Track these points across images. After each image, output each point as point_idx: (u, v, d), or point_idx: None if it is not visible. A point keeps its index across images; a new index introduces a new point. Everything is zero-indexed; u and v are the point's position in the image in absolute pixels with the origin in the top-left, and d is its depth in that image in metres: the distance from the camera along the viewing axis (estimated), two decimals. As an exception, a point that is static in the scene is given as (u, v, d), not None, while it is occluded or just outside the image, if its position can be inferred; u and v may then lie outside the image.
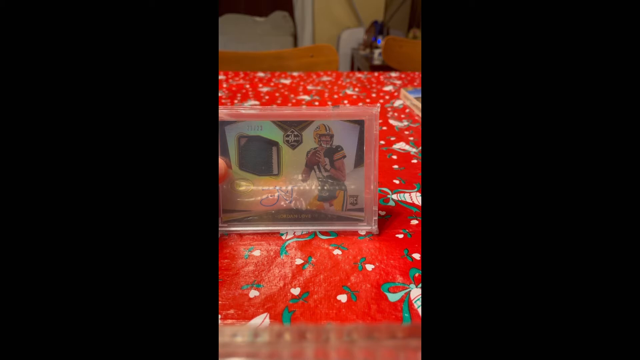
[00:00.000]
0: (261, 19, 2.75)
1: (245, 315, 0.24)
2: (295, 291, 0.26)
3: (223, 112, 0.30)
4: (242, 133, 0.31)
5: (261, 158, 0.31)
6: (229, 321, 0.24)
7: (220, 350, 0.15)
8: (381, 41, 2.16)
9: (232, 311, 0.25)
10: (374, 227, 0.32)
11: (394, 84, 0.84)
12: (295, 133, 0.31)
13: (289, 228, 0.33)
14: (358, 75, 0.93)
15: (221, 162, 0.30)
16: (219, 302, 0.25)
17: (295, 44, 2.72)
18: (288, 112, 0.30)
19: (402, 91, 0.73)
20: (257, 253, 0.30)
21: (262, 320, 0.24)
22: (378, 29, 2.34)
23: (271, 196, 0.32)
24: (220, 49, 1.22)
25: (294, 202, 0.32)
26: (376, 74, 0.94)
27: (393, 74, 0.93)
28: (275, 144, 0.31)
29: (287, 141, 0.31)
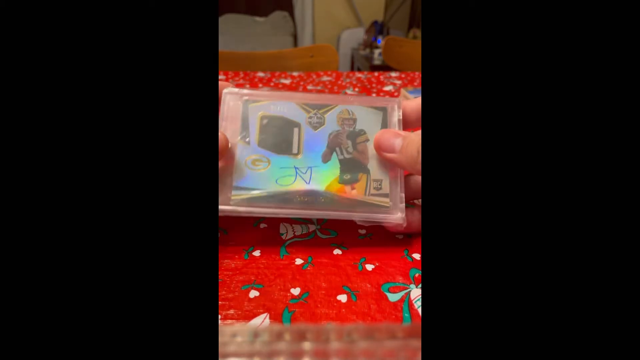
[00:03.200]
0: (261, 19, 2.75)
1: (245, 315, 0.24)
2: (295, 291, 0.26)
3: (247, 92, 0.31)
4: (265, 113, 0.31)
5: (282, 137, 0.31)
6: (229, 321, 0.24)
7: (220, 350, 0.15)
8: (381, 41, 2.16)
9: (232, 311, 0.25)
10: (401, 216, 0.29)
11: (394, 84, 0.84)
12: (318, 115, 0.31)
13: (304, 212, 0.30)
14: (358, 75, 0.93)
15: (221, 134, 0.29)
16: (219, 302, 0.25)
17: (295, 44, 2.72)
18: (312, 96, 0.32)
19: (402, 91, 0.73)
20: (257, 253, 0.30)
21: (262, 320, 0.24)
22: (378, 29, 2.34)
23: (289, 175, 0.31)
24: (220, 49, 1.22)
25: (312, 183, 0.30)
26: (376, 74, 0.94)
27: (393, 74, 0.93)
28: (298, 124, 0.31)
29: (310, 122, 0.31)
